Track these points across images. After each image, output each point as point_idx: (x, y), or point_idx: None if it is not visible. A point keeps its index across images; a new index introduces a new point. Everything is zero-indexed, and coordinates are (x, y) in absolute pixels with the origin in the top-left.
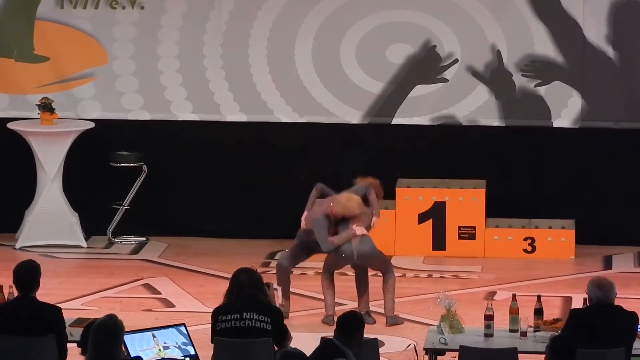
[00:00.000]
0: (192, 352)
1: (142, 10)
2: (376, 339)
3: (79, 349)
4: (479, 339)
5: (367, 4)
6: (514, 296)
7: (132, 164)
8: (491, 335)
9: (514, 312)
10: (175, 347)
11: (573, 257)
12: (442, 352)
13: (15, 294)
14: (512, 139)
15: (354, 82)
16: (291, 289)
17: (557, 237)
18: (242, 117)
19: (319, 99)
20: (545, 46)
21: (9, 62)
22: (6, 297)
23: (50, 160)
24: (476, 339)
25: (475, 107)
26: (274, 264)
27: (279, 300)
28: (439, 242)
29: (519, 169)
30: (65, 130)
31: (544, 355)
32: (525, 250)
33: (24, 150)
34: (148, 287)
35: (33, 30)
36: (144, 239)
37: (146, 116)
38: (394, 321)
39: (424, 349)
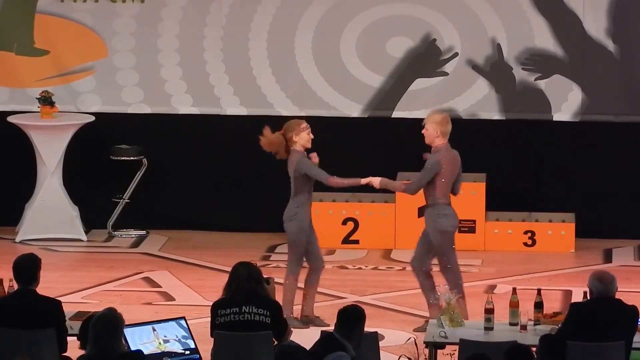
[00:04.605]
0: (192, 346)
1: (142, 4)
2: (376, 332)
3: (79, 343)
4: (479, 333)
5: None
6: (514, 289)
7: (132, 158)
8: (491, 328)
9: (514, 305)
10: (175, 340)
11: (573, 251)
12: (442, 346)
13: (15, 287)
14: (512, 132)
15: (354, 75)
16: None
17: (557, 231)
18: (242, 111)
19: (319, 92)
20: (545, 40)
21: (10, 56)
22: (6, 290)
23: (50, 153)
24: (476, 332)
25: (475, 100)
26: (274, 257)
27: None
28: None
29: (519, 162)
30: (65, 123)
31: None
32: (525, 244)
33: (24, 144)
34: (148, 280)
35: (33, 24)
36: (144, 232)
37: (146, 110)
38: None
39: (424, 342)
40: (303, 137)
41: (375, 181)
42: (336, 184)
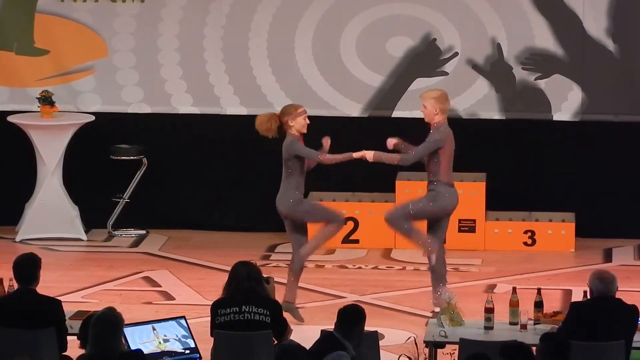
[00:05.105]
0: (192, 345)
1: (142, 3)
2: (376, 331)
3: (79, 342)
4: (479, 332)
5: None
6: (514, 289)
7: (132, 157)
8: (491, 328)
9: (514, 304)
10: (175, 339)
11: (573, 250)
12: (442, 345)
13: (16, 286)
14: (512, 132)
15: (354, 75)
16: (299, 283)
17: (557, 230)
18: (242, 110)
19: (319, 92)
20: (545, 39)
21: (10, 55)
22: (6, 290)
23: (50, 153)
24: (476, 331)
25: (475, 100)
26: (274, 257)
27: None
28: None
29: (519, 162)
30: (65, 123)
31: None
32: (525, 243)
33: (24, 144)
34: (148, 279)
35: (33, 23)
36: (144, 231)
37: (146, 109)
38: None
39: (424, 341)
40: (299, 122)
41: (369, 154)
42: (327, 160)
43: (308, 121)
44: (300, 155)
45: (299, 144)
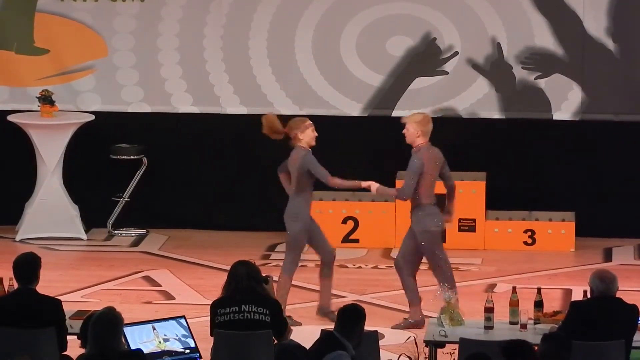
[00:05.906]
0: (192, 345)
1: (142, 3)
2: (376, 331)
3: (79, 342)
4: (479, 332)
5: None
6: (514, 288)
7: (132, 157)
8: (491, 327)
9: (514, 304)
10: (175, 339)
11: (573, 250)
12: (442, 345)
13: (16, 286)
14: (512, 131)
15: (354, 74)
16: (292, 282)
17: (557, 230)
18: (242, 110)
19: (319, 91)
20: (545, 39)
21: (10, 55)
22: (6, 289)
23: (50, 152)
24: (476, 331)
25: (475, 99)
26: (274, 256)
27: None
28: None
29: (519, 161)
30: (65, 122)
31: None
32: (525, 243)
33: (24, 143)
34: (148, 279)
35: (33, 23)
36: (144, 231)
37: (146, 109)
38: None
39: (424, 341)
40: (308, 135)
41: (374, 186)
42: (336, 184)
43: (316, 133)
44: (312, 172)
45: (312, 159)
